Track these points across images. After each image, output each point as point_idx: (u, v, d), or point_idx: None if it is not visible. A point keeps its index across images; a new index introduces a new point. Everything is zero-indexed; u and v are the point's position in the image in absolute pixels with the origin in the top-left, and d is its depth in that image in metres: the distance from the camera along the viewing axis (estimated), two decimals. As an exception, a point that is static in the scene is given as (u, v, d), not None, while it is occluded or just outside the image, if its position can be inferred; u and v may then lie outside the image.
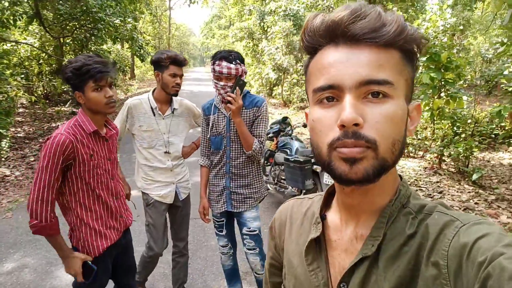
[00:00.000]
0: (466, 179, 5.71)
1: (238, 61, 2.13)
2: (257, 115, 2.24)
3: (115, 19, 10.15)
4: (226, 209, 2.35)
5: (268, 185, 4.83)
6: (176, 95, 2.43)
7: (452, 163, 5.86)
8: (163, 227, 2.53)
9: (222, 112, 2.28)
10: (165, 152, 2.46)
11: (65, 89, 11.96)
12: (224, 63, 2.10)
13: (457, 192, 5.25)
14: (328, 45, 0.58)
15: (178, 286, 2.72)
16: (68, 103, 11.75)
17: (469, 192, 5.28)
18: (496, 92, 12.73)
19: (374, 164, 0.54)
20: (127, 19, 11.21)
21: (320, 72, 0.57)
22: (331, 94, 0.56)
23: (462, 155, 5.66)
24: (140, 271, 2.65)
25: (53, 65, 11.81)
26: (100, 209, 1.79)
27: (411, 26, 0.56)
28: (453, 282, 0.50)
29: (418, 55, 0.59)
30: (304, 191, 3.97)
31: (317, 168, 3.78)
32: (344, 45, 0.56)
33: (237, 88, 2.12)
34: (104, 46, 12.54)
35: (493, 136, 7.62)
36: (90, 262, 1.76)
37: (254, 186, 2.36)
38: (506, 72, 6.40)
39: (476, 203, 4.85)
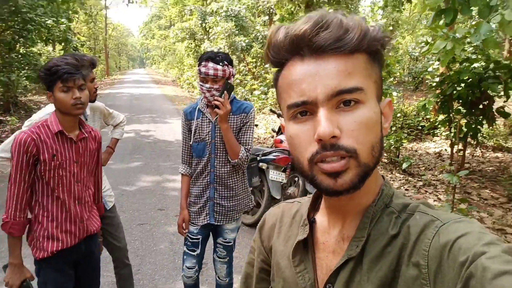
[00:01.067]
0: (397, 168, 6.24)
1: (226, 63, 2.02)
2: (244, 121, 2.12)
3: (47, 19, 9.59)
4: (208, 221, 2.20)
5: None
6: (93, 101, 2.27)
7: (385, 154, 6.37)
8: None
9: (207, 117, 2.15)
10: None
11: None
12: (211, 64, 1.99)
13: (390, 180, 5.73)
14: (294, 58, 0.58)
15: None
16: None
17: (400, 180, 5.79)
18: (422, 88, 13.87)
19: (358, 172, 0.54)
20: (60, 19, 10.64)
21: (291, 88, 0.58)
22: (305, 109, 0.56)
23: (393, 146, 6.17)
24: None
25: (-23, 69, 10.87)
26: (57, 211, 1.77)
27: (372, 27, 0.57)
28: (433, 282, 0.50)
29: (383, 53, 0.60)
30: (251, 188, 4.12)
31: (263, 166, 3.95)
32: (310, 57, 0.56)
33: (225, 92, 2.01)
34: (34, 48, 11.76)
35: (420, 128, 8.35)
36: (29, 282, 1.73)
37: (239, 198, 2.24)
38: (430, 69, 7.06)
39: (406, 189, 5.33)
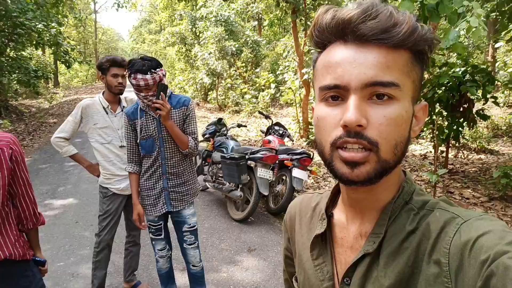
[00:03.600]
0: (383, 168, 6.40)
1: (153, 70, 2.11)
2: (186, 113, 2.30)
3: (37, 23, 9.63)
4: (166, 209, 2.36)
5: (207, 183, 5.06)
6: (121, 93, 2.64)
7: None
8: (117, 217, 2.69)
9: (150, 115, 2.27)
10: (121, 146, 2.63)
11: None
12: (139, 76, 2.09)
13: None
14: (337, 42, 0.57)
15: (129, 273, 2.89)
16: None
17: (385, 179, 5.94)
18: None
19: (376, 167, 0.54)
20: (50, 23, 10.68)
21: (327, 70, 0.57)
22: (337, 93, 0.56)
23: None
24: (94, 274, 2.67)
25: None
26: None
27: (422, 26, 0.55)
28: (454, 280, 0.50)
29: (429, 55, 0.58)
30: (240, 185, 4.26)
31: (251, 163, 4.09)
32: (353, 43, 0.55)
33: (161, 93, 2.13)
34: (25, 52, 11.77)
35: (406, 130, 8.55)
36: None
37: (189, 183, 2.42)
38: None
39: (391, 189, 5.49)
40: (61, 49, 11.04)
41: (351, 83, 0.54)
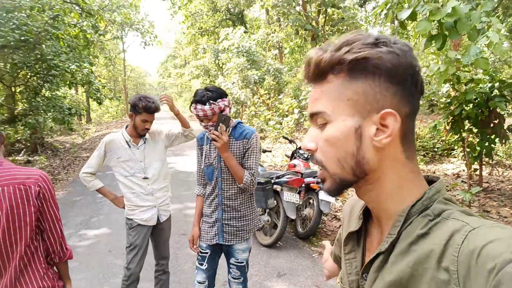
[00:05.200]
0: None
1: (212, 101, 2.11)
2: (247, 147, 2.21)
3: (70, 64, 10.22)
4: (217, 241, 2.29)
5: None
6: (144, 135, 2.73)
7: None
8: (144, 248, 2.74)
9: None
10: (144, 178, 2.69)
11: (18, 138, 11.66)
12: (199, 106, 2.12)
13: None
14: None
15: None
16: (22, 152, 11.43)
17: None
18: (437, 110, 13.82)
19: (332, 182, 0.65)
20: (83, 64, 11.31)
21: None
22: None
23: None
24: None
25: (5, 114, 11.54)
26: None
27: (338, 50, 0.61)
28: (463, 287, 0.50)
29: (373, 63, 0.60)
30: (267, 210, 4.26)
31: (278, 188, 4.10)
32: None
33: (220, 124, 2.09)
34: (59, 92, 12.46)
35: (436, 149, 8.36)
36: None
37: (246, 218, 2.32)
38: (440, 92, 7.17)
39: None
40: (93, 87, 11.54)
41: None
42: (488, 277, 0.46)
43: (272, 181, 4.13)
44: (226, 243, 2.28)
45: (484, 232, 0.52)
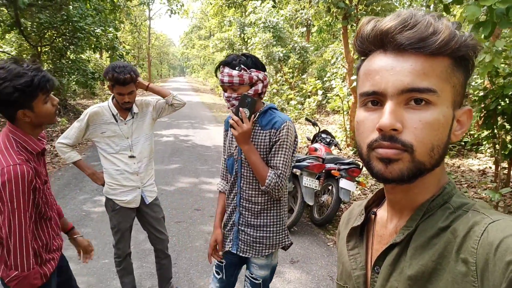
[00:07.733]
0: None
1: (243, 67, 1.67)
2: (274, 139, 1.71)
3: (96, 28, 10.18)
4: (231, 249, 1.88)
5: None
6: (129, 109, 2.43)
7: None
8: (128, 231, 2.61)
9: None
10: (130, 156, 2.47)
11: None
12: (226, 70, 1.69)
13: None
14: (377, 51, 0.61)
15: (165, 283, 2.83)
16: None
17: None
18: (466, 103, 13.32)
19: (409, 167, 0.57)
20: (108, 28, 11.26)
21: (367, 78, 0.61)
22: (375, 99, 0.60)
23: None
24: (122, 282, 2.68)
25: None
26: (45, 234, 1.60)
27: (463, 33, 0.57)
28: (481, 279, 0.50)
29: (473, 61, 0.60)
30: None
31: (297, 171, 3.97)
32: (391, 52, 0.59)
33: (240, 109, 1.65)
34: (84, 55, 12.49)
35: (463, 143, 8.03)
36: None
37: (268, 230, 1.81)
38: (474, 84, 6.81)
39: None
40: (117, 53, 11.54)
41: (388, 90, 0.58)
42: (506, 269, 0.46)
43: (292, 164, 3.99)
44: (241, 254, 1.86)
45: (504, 225, 0.51)
